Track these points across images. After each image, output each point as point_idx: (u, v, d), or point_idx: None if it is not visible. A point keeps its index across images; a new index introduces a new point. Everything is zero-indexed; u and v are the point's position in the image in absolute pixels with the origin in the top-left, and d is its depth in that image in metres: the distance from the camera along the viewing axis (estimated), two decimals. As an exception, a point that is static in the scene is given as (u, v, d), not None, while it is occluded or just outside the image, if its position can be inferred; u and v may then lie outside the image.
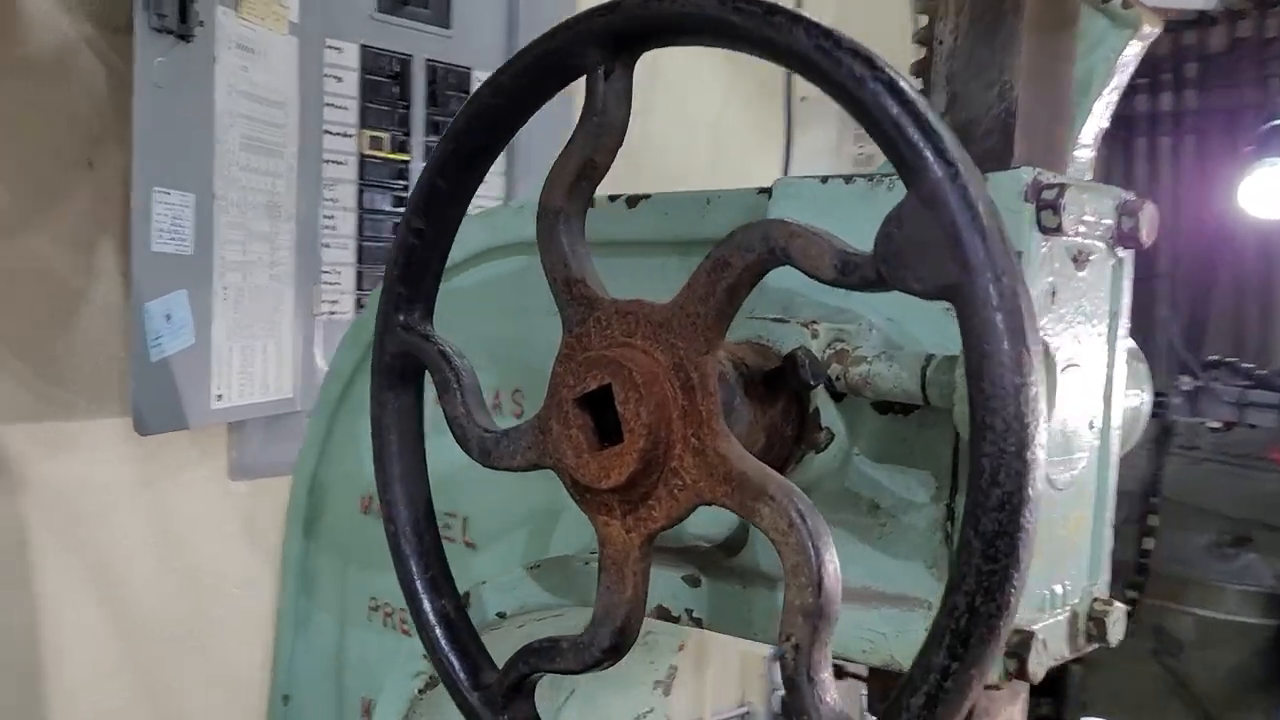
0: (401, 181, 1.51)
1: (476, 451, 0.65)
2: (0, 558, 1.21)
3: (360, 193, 1.46)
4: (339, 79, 1.44)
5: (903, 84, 0.49)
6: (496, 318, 0.96)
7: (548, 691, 0.99)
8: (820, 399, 0.63)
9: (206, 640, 1.42)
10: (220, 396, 1.26)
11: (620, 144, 0.61)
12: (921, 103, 0.48)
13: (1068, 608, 0.68)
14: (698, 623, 0.72)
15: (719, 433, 0.54)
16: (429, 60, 1.54)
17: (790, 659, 0.51)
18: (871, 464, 0.66)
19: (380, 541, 0.75)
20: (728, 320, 0.55)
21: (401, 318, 0.70)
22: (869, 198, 0.67)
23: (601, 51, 0.59)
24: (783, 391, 0.62)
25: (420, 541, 0.70)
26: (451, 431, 0.67)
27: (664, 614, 0.73)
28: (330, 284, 1.43)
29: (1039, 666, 0.62)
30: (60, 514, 1.27)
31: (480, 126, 0.65)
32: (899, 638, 0.65)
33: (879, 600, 0.66)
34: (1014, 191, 0.61)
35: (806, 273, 0.51)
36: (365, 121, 1.47)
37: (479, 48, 1.58)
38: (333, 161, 1.45)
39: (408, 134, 1.52)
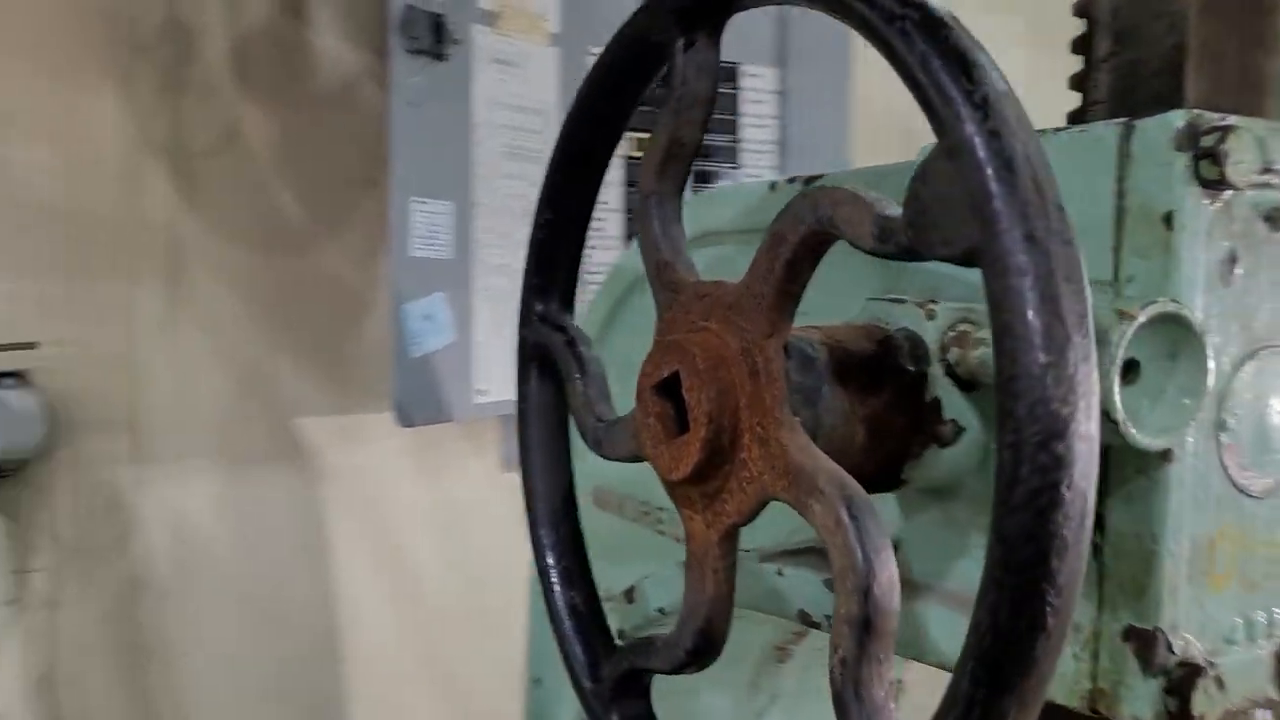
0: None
1: (591, 441, 0.65)
2: (304, 535, 1.35)
3: (627, 194, 1.49)
4: (605, 84, 1.47)
5: (935, 11, 0.42)
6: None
7: (746, 694, 0.96)
8: (941, 388, 0.56)
9: (481, 620, 1.51)
10: (483, 391, 1.34)
11: (708, 118, 0.58)
12: (954, 33, 0.41)
13: (1273, 640, 0.56)
14: None
15: (782, 421, 0.50)
16: (696, 59, 1.53)
17: (837, 674, 0.46)
18: None
19: (605, 534, 0.76)
20: (792, 299, 0.51)
21: (540, 308, 0.71)
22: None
23: (679, 25, 0.57)
24: (889, 379, 0.56)
25: (556, 532, 0.70)
26: (574, 422, 0.67)
27: (805, 619, 0.68)
28: (598, 284, 1.47)
29: (1209, 708, 0.52)
30: (353, 498, 1.40)
31: (588, 122, 0.65)
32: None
33: None
34: (1163, 140, 0.51)
35: (851, 243, 0.46)
36: (633, 125, 1.50)
37: (747, 42, 1.57)
38: (600, 165, 1.48)
39: (674, 133, 1.53)
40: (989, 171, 0.39)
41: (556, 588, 0.69)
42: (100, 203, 1.24)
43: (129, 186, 1.25)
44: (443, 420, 1.30)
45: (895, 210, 0.45)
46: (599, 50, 1.46)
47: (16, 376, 1.17)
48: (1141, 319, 0.47)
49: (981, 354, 0.54)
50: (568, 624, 0.68)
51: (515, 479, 1.56)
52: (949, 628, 0.61)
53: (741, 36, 1.55)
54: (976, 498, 0.60)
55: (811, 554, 0.70)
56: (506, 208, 1.35)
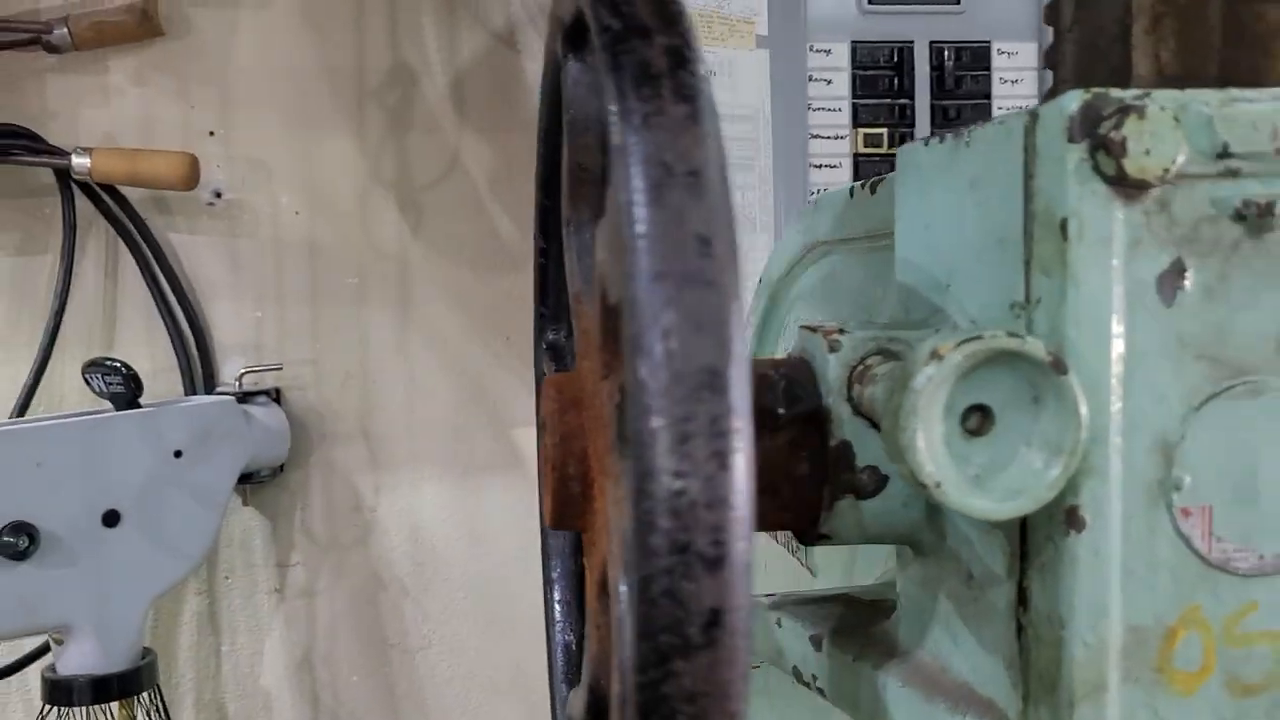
0: (910, 176, 1.41)
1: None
2: (528, 539, 1.40)
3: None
4: (827, 81, 1.41)
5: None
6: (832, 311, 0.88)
7: None
8: (850, 429, 0.49)
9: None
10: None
11: (605, 140, 0.54)
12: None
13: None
14: (821, 693, 0.60)
15: (607, 471, 0.46)
16: (934, 43, 1.42)
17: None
18: (962, 516, 0.49)
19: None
20: (615, 334, 0.46)
21: (549, 337, 0.70)
22: (951, 159, 0.50)
23: (565, 43, 0.53)
24: (790, 421, 0.49)
25: (563, 565, 0.69)
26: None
27: (798, 676, 0.62)
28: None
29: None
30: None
31: (553, 145, 0.63)
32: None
33: (970, 705, 0.49)
34: (1057, 130, 0.41)
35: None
36: (859, 120, 1.42)
37: (997, 17, 1.42)
38: (824, 166, 1.42)
39: (910, 125, 1.43)
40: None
41: (558, 624, 0.68)
42: (337, 236, 1.37)
43: (362, 220, 1.38)
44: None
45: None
46: (824, 45, 1.40)
47: (268, 395, 1.33)
48: (956, 358, 0.38)
49: (873, 391, 0.46)
50: (560, 664, 0.66)
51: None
52: (881, 696, 0.53)
53: (989, 8, 1.41)
54: (930, 555, 0.52)
55: (810, 605, 0.63)
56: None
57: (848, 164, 1.43)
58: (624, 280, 0.33)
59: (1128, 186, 0.40)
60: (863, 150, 1.43)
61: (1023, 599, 0.45)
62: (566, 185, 0.56)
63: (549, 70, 0.59)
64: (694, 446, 0.32)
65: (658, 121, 0.34)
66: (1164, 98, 0.40)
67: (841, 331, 0.49)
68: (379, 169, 1.37)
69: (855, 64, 1.42)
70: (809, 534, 0.51)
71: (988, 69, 1.44)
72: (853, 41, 1.42)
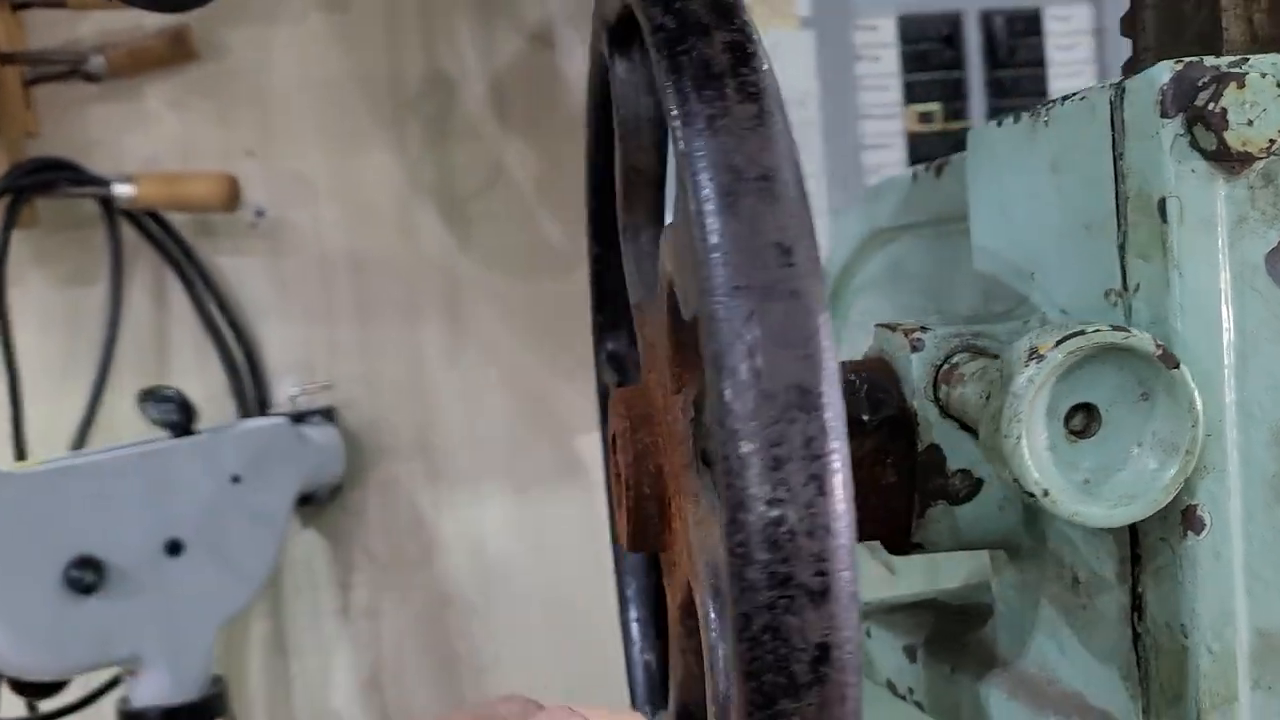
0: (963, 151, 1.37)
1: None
2: (594, 550, 1.38)
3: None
4: (875, 59, 1.37)
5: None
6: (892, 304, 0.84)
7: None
8: (939, 432, 0.46)
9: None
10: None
11: (661, 139, 0.52)
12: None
13: None
14: (919, 707, 0.57)
15: (685, 490, 0.44)
16: (983, 11, 1.38)
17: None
18: (1063, 520, 0.46)
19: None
20: (692, 349, 0.44)
21: (610, 347, 0.67)
22: (1028, 139, 0.47)
23: (611, 40, 0.51)
24: (876, 427, 0.47)
25: (638, 582, 0.66)
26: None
27: (893, 690, 0.59)
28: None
29: None
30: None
31: (603, 145, 0.60)
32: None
33: (1083, 717, 0.46)
34: (1147, 105, 0.38)
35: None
36: (911, 97, 1.38)
37: (1044, -20, 1.38)
38: (877, 146, 1.38)
39: (964, 100, 1.38)
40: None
41: (636, 644, 0.65)
42: (381, 249, 1.36)
43: (406, 232, 1.36)
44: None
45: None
46: (870, 22, 1.36)
47: (323, 414, 1.32)
48: (1058, 356, 0.35)
49: (963, 393, 0.43)
50: (641, 684, 0.64)
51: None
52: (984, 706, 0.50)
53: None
54: (1036, 558, 0.49)
55: (900, 613, 0.61)
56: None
57: (900, 144, 1.39)
58: (700, 295, 0.30)
59: (1230, 161, 0.37)
60: (916, 129, 1.39)
61: (1137, 606, 0.42)
62: (621, 189, 0.54)
63: (595, 72, 0.57)
64: (789, 471, 0.29)
65: (724, 124, 0.32)
66: (1263, 63, 0.37)
67: (923, 329, 0.47)
68: (420, 179, 1.35)
69: (903, 39, 1.38)
70: (900, 544, 0.48)
71: (1039, 35, 1.40)
72: (899, 16, 1.38)
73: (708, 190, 0.31)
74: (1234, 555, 0.39)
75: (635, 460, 0.46)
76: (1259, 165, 0.37)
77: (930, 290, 0.72)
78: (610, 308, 0.66)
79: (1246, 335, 0.38)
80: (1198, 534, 0.38)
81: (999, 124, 0.50)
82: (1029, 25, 1.40)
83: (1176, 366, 0.36)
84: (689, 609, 0.47)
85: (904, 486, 0.47)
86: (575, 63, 1.35)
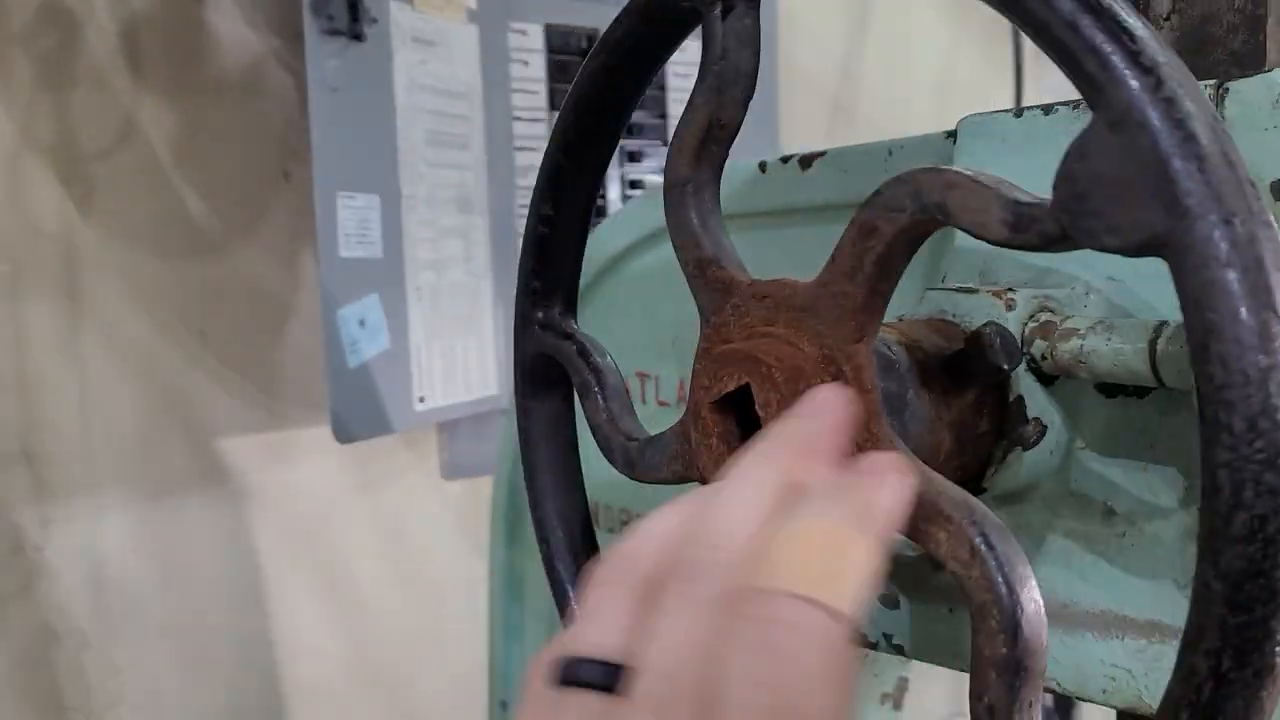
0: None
1: (621, 463, 0.58)
2: (237, 565, 1.25)
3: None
4: (525, 63, 1.39)
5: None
6: (673, 301, 0.88)
7: None
8: (1024, 384, 0.51)
9: (434, 640, 1.43)
10: (423, 399, 1.25)
11: (750, 95, 0.51)
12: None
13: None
14: (899, 650, 0.62)
15: (879, 437, 0.44)
16: (620, 31, 1.47)
17: (983, 722, 0.40)
18: (1101, 459, 0.53)
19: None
20: (883, 298, 0.45)
21: (540, 315, 0.63)
22: (1075, 130, 0.54)
23: None
24: (972, 379, 0.50)
25: (575, 562, 0.63)
26: (595, 440, 0.59)
27: (869, 642, 0.63)
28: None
29: None
30: (287, 519, 1.30)
31: (598, 92, 0.57)
32: (1149, 675, 0.52)
33: (1122, 628, 0.53)
34: (1264, 102, 0.47)
35: (972, 233, 0.40)
36: (555, 103, 1.42)
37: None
38: (526, 149, 1.41)
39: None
40: (1172, 146, 0.33)
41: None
42: (-19, 212, 1.11)
43: (12, 193, 1.12)
44: (384, 432, 1.21)
45: (1026, 195, 0.39)
46: (521, 26, 1.38)
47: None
48: None
49: (1074, 346, 0.49)
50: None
51: (458, 488, 1.49)
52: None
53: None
54: (1051, 499, 0.55)
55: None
56: (434, 198, 1.26)
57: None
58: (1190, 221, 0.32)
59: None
60: (561, 135, 1.42)
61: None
62: (694, 143, 0.52)
63: (634, 19, 0.54)
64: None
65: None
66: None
67: (1011, 290, 0.51)
68: (32, 131, 1.11)
69: (549, 47, 1.41)
70: (972, 490, 0.52)
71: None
72: (547, 24, 1.41)
73: (1192, 127, 0.33)
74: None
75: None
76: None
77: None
78: (550, 274, 0.62)
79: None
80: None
81: (1045, 112, 0.55)
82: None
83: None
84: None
85: (991, 434, 0.51)
86: (225, 18, 1.20)
